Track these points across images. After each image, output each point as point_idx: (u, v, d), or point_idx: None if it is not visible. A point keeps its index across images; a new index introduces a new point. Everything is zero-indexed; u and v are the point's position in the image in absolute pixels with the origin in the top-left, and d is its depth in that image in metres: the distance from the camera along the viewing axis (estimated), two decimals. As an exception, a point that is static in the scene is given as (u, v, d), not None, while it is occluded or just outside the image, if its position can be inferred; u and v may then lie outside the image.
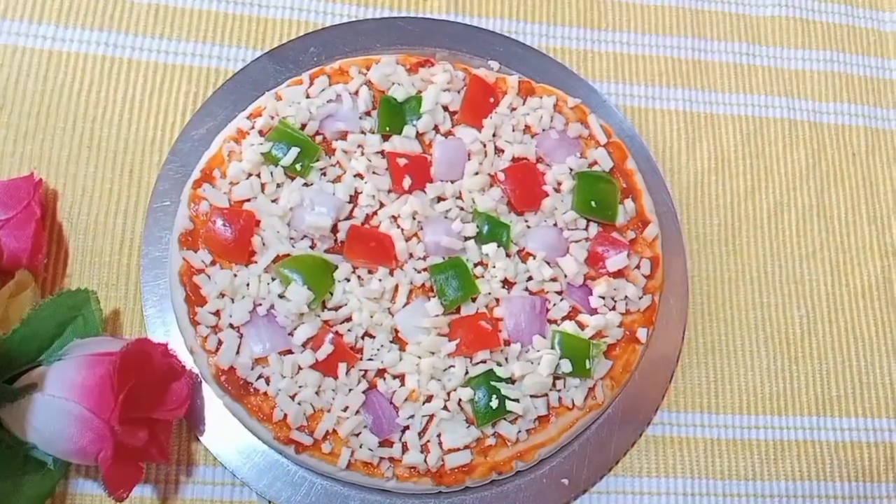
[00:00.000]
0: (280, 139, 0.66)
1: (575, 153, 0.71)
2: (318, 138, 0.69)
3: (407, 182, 0.67)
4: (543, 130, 0.72)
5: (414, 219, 0.67)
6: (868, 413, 0.71)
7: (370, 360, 0.63)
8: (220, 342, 0.61)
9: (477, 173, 0.69)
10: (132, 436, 0.54)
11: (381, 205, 0.67)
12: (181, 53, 0.73)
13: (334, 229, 0.66)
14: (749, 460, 0.68)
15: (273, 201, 0.66)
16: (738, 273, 0.74)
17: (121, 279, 0.66)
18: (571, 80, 0.76)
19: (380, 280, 0.65)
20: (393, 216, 0.67)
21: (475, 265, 0.67)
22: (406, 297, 0.65)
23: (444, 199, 0.68)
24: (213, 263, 0.64)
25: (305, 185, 0.67)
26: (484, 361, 0.64)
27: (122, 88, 0.71)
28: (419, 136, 0.70)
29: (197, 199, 0.65)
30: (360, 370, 0.62)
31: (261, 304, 0.63)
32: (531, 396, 0.63)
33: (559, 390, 0.64)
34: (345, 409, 0.61)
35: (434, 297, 0.65)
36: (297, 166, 0.66)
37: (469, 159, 0.69)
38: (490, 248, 0.66)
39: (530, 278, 0.67)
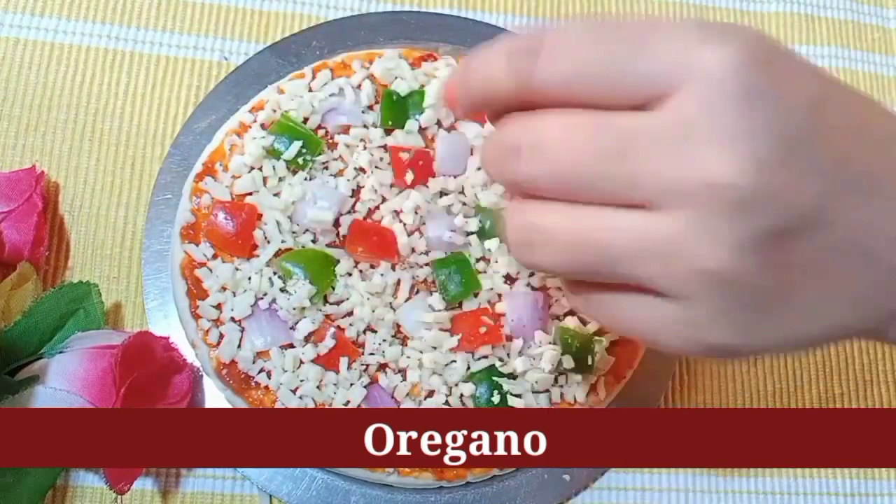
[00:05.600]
0: (282, 133, 0.66)
1: (578, 148, 0.71)
2: (321, 132, 0.68)
3: (409, 177, 0.67)
4: (546, 125, 0.71)
5: (416, 213, 0.66)
6: (870, 411, 0.71)
7: (372, 354, 0.63)
8: (221, 336, 0.61)
9: (480, 168, 0.68)
10: (133, 429, 0.54)
11: (384, 199, 0.67)
12: (184, 46, 0.72)
13: (336, 223, 0.65)
14: (751, 457, 0.68)
15: (275, 195, 0.66)
16: (741, 270, 0.74)
17: (122, 272, 0.66)
18: (575, 75, 0.75)
19: (382, 275, 0.64)
20: (395, 211, 0.67)
21: (477, 260, 0.66)
22: (408, 293, 0.65)
23: (446, 194, 0.68)
24: (214, 257, 0.64)
25: (307, 179, 0.66)
26: (486, 357, 0.63)
27: (125, 81, 0.71)
28: (422, 130, 0.70)
29: (199, 193, 0.65)
30: (362, 364, 0.62)
31: (262, 298, 0.63)
32: (533, 392, 0.63)
33: (561, 386, 0.64)
34: (346, 404, 0.61)
35: (436, 292, 0.65)
36: (300, 160, 0.66)
37: (472, 154, 0.69)
38: (493, 243, 0.66)
39: (532, 274, 0.66)
